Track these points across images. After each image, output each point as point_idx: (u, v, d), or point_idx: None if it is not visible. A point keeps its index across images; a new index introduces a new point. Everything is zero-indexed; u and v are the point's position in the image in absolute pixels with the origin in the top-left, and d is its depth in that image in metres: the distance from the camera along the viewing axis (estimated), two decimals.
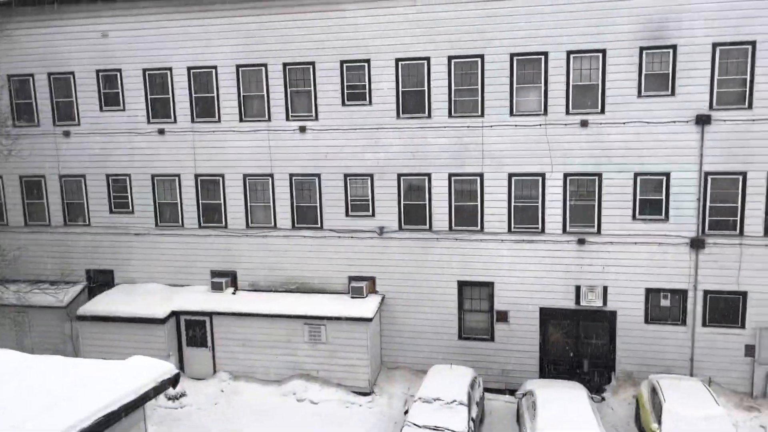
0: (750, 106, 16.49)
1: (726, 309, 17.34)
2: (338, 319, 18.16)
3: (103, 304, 19.49)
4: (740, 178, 16.83)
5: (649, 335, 17.87)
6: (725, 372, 17.46)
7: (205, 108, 19.81)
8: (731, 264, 17.14)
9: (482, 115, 18.07)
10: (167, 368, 10.21)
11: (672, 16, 16.56)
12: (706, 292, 17.39)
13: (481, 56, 17.82)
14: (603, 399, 17.48)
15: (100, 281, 21.30)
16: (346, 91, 18.80)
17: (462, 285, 18.93)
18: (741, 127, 16.60)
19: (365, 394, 18.07)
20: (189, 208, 20.43)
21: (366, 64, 18.53)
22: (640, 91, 17.04)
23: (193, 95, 19.77)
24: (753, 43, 16.22)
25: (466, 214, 18.65)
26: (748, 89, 16.46)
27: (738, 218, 17.01)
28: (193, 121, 19.93)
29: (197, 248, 20.56)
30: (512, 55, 17.62)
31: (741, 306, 17.21)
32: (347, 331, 18.18)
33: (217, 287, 19.99)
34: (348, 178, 19.25)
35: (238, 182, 19.97)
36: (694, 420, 14.13)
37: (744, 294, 17.15)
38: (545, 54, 17.43)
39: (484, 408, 17.07)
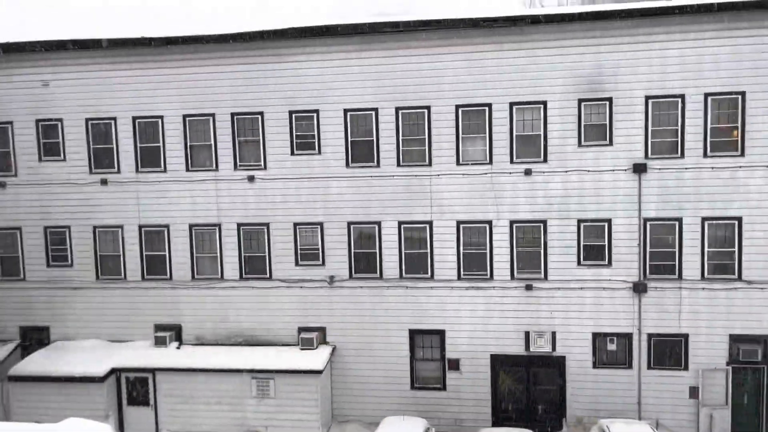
0: (682, 155, 17.32)
1: (669, 351, 17.76)
2: (287, 372, 17.70)
3: (36, 363, 18.45)
4: (677, 223, 17.52)
5: (597, 379, 18.08)
6: (672, 414, 17.77)
7: (150, 157, 19.45)
8: (672, 307, 17.66)
9: (430, 164, 18.37)
10: (104, 431, 9.67)
11: (607, 71, 17.41)
12: (649, 335, 17.81)
13: (428, 107, 18.24)
14: None
15: (34, 339, 20.20)
16: (295, 140, 18.84)
17: (414, 333, 18.82)
18: (674, 175, 17.38)
19: None
20: (132, 260, 19.80)
21: (315, 114, 18.68)
22: (580, 141, 17.71)
23: (138, 145, 19.43)
24: (682, 97, 17.16)
25: (417, 262, 18.71)
26: (679, 139, 17.33)
27: (677, 262, 17.62)
28: (137, 170, 19.51)
29: (140, 301, 19.83)
30: (457, 107, 18.09)
31: (683, 348, 17.68)
32: (297, 385, 17.71)
33: (160, 342, 19.25)
34: (297, 227, 19.11)
35: (183, 232, 19.53)
36: None
37: (686, 336, 17.64)
38: (489, 105, 17.97)
39: None
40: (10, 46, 19.19)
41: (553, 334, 18.16)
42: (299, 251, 19.17)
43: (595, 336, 18.04)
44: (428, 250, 18.63)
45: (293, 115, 18.76)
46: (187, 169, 19.33)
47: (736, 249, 17.27)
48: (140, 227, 19.66)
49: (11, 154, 19.91)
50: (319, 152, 18.77)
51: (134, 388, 18.41)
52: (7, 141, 19.88)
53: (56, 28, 20.24)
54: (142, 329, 19.83)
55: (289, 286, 19.23)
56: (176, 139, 19.26)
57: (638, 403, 17.91)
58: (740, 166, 17.04)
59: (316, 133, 18.73)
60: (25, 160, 19.86)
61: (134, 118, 19.31)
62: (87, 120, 19.49)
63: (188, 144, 19.25)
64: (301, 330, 19.19)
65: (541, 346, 18.18)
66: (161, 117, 19.24)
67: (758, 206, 17.04)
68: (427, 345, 18.81)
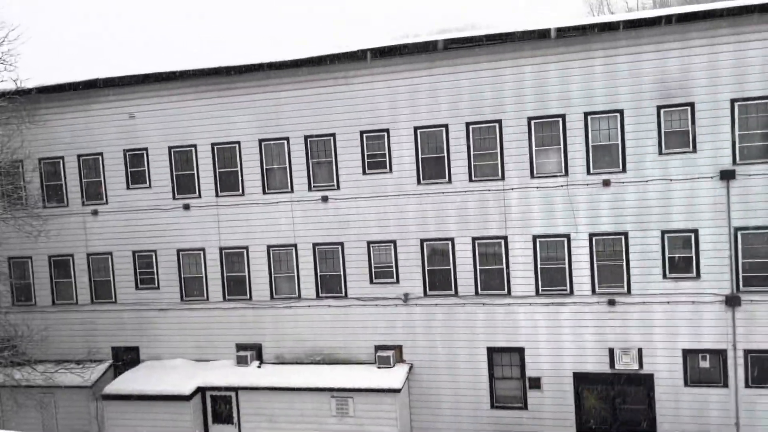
0: None
1: None
2: (366, 390, 17.73)
3: (128, 381, 19.32)
4: None
5: (689, 398, 17.13)
6: None
7: (228, 182, 20.14)
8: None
9: (503, 178, 18.11)
10: None
11: (688, 75, 16.67)
12: (746, 351, 16.73)
13: (499, 121, 18.02)
14: None
15: (125, 359, 21.20)
16: (366, 160, 19.04)
17: (491, 351, 18.47)
18: (765, 181, 16.37)
19: None
20: (214, 282, 20.48)
21: (385, 134, 18.83)
22: (661, 149, 16.99)
23: (217, 170, 20.17)
24: None
25: (492, 278, 18.41)
26: None
27: None
28: (217, 195, 20.24)
29: (222, 321, 20.46)
30: (530, 119, 17.78)
31: None
32: (375, 403, 17.71)
33: (242, 361, 19.75)
34: (371, 245, 19.23)
35: (262, 254, 20.05)
36: None
37: None
38: (563, 116, 17.56)
39: None
40: (99, 82, 20.43)
41: (640, 350, 17.37)
42: (373, 269, 19.27)
43: (686, 353, 17.12)
44: (504, 266, 18.31)
45: (364, 135, 18.98)
46: (264, 192, 19.87)
47: None
48: (221, 249, 20.35)
49: (102, 183, 21.12)
50: (391, 170, 18.88)
51: (218, 406, 18.96)
52: (99, 171, 21.10)
53: (139, 62, 21.38)
54: (225, 348, 20.42)
55: (364, 305, 19.33)
56: (253, 164, 19.87)
57: (736, 424, 16.82)
58: None
59: (386, 151, 18.87)
60: (115, 189, 21.01)
61: (213, 145, 20.09)
62: (169, 148, 20.44)
63: (264, 167, 19.82)
64: (377, 348, 19.22)
65: (626, 363, 17.43)
66: (238, 142, 19.91)
67: None
68: (506, 363, 18.40)
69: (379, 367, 18.69)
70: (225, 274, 20.39)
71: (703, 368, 17.07)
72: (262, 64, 19.09)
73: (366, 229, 19.19)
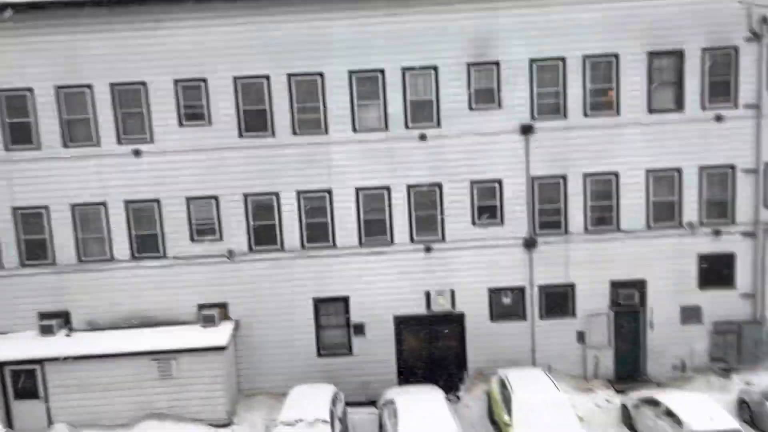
0: (565, 115, 18.26)
1: (559, 301, 18.95)
2: (189, 350, 17.19)
3: None
4: (561, 180, 18.55)
5: (495, 332, 19.00)
6: (562, 359, 19.05)
7: (21, 134, 17.90)
8: (560, 259, 18.79)
9: (327, 132, 18.22)
10: None
11: (493, 34, 17.90)
12: (541, 287, 18.90)
13: (321, 74, 17.99)
14: (459, 398, 18.26)
15: None
16: (183, 111, 18.00)
17: (318, 302, 18.84)
18: (559, 134, 18.32)
19: (224, 426, 17.26)
20: (7, 246, 18.28)
21: (203, 83, 17.90)
22: (470, 105, 18.19)
23: (6, 121, 17.80)
24: (563, 59, 18.01)
25: (318, 231, 18.64)
26: (561, 100, 18.23)
27: (563, 217, 18.71)
28: (7, 149, 17.92)
29: (21, 289, 18.42)
30: (351, 72, 17.97)
31: (571, 297, 18.92)
32: (200, 363, 17.27)
33: (47, 330, 18.03)
34: (190, 201, 18.40)
35: (65, 213, 18.24)
36: (539, 407, 15.20)
37: (572, 286, 18.86)
38: (382, 71, 18.00)
39: (347, 423, 17.05)
40: None
41: (453, 292, 18.82)
42: (194, 227, 18.51)
43: (492, 291, 18.90)
44: (329, 219, 18.59)
45: (179, 84, 17.89)
46: (65, 145, 17.98)
47: (615, 202, 18.59)
48: (14, 209, 18.15)
49: None
50: (210, 123, 18.07)
51: (21, 381, 17.18)
52: None
53: None
54: (26, 318, 18.47)
55: (185, 264, 18.57)
56: (50, 113, 17.82)
57: (532, 351, 19.05)
58: (616, 125, 18.23)
59: (205, 102, 17.99)
60: None
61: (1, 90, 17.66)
62: None
63: (63, 118, 17.88)
64: (201, 307, 18.65)
65: (441, 305, 18.82)
66: (30, 89, 17.70)
67: (632, 162, 18.35)
68: (332, 312, 18.91)
69: (203, 326, 18.18)
70: (21, 237, 18.29)
71: (506, 304, 19.00)
72: (55, 1, 17.00)
73: (185, 184, 18.28)
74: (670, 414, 14.81)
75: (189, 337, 17.55)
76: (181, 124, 18.05)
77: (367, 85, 18.11)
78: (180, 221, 18.43)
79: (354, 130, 18.23)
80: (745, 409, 16.59)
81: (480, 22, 17.83)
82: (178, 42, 17.69)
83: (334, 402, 16.26)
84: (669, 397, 15.46)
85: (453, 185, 18.47)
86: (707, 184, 18.47)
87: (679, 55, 17.97)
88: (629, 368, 19.15)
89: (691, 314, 18.77)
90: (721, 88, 18.11)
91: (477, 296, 18.89)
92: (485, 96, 18.21)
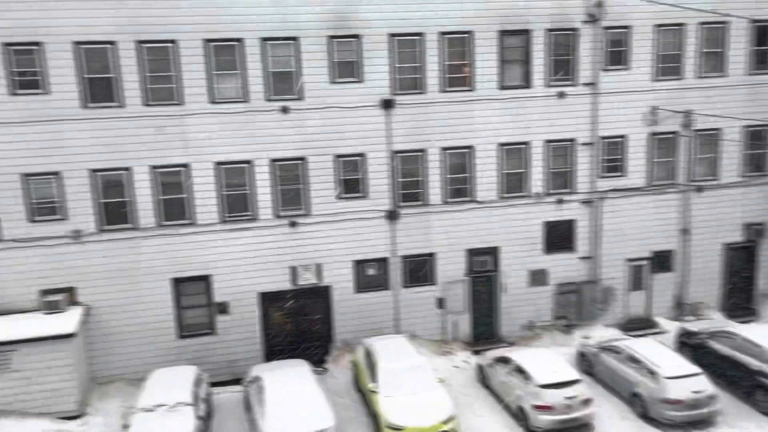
0: (424, 90, 18.76)
1: (420, 270, 19.69)
2: (32, 341, 15.78)
3: None
4: (421, 154, 19.13)
5: (360, 303, 19.39)
6: (424, 325, 19.91)
7: None
8: (421, 230, 19.48)
9: (182, 102, 17.29)
10: None
11: (351, 8, 17.86)
12: (403, 257, 19.51)
13: (174, 41, 16.96)
14: (326, 370, 18.48)
15: None
16: (14, 78, 16.19)
17: (177, 282, 18.05)
18: (418, 109, 18.81)
19: (75, 417, 16.15)
20: None
21: (38, 47, 16.17)
22: (332, 78, 18.10)
23: None
24: (421, 34, 18.43)
25: (175, 208, 17.76)
26: (421, 75, 18.68)
27: (423, 190, 19.35)
28: None
29: None
30: (206, 41, 17.13)
31: (431, 265, 19.73)
32: (46, 353, 15.92)
33: None
34: (27, 178, 16.72)
35: None
36: (403, 372, 15.83)
37: (432, 255, 19.67)
38: (240, 40, 17.34)
39: (212, 403, 16.66)
40: None
41: (318, 266, 18.88)
42: (33, 206, 16.88)
43: (357, 263, 19.20)
44: (187, 195, 17.78)
45: (9, 49, 16.04)
46: None
47: (470, 174, 19.52)
48: None
49: None
50: (48, 91, 16.44)
51: None
52: None
53: None
54: None
55: (23, 247, 16.91)
56: None
57: (396, 319, 19.71)
58: (470, 99, 19.05)
59: (42, 69, 16.30)
60: None
61: None
62: None
63: None
64: (44, 293, 17.12)
65: (307, 278, 18.82)
66: None
67: (485, 135, 19.30)
68: (193, 292, 18.22)
69: (47, 314, 16.74)
70: None
71: (371, 275, 19.41)
72: None
73: (20, 159, 16.55)
74: (519, 370, 16.04)
75: (31, 326, 16.09)
76: (13, 93, 16.24)
77: (225, 54, 17.37)
78: (15, 200, 16.70)
79: (212, 101, 17.46)
80: (583, 361, 18.39)
81: None
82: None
83: (197, 384, 15.79)
84: (518, 355, 16.72)
85: (317, 159, 18.39)
86: (551, 156, 19.95)
87: (526, 35, 19.07)
88: (485, 330, 20.45)
89: (538, 277, 20.35)
90: (563, 66, 19.51)
91: (343, 269, 19.10)
92: (347, 70, 18.20)
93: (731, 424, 15.52)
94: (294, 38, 17.64)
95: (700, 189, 20.72)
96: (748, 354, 16.45)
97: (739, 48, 20.08)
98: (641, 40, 19.56)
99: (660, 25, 19.57)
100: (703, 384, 15.46)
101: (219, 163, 17.79)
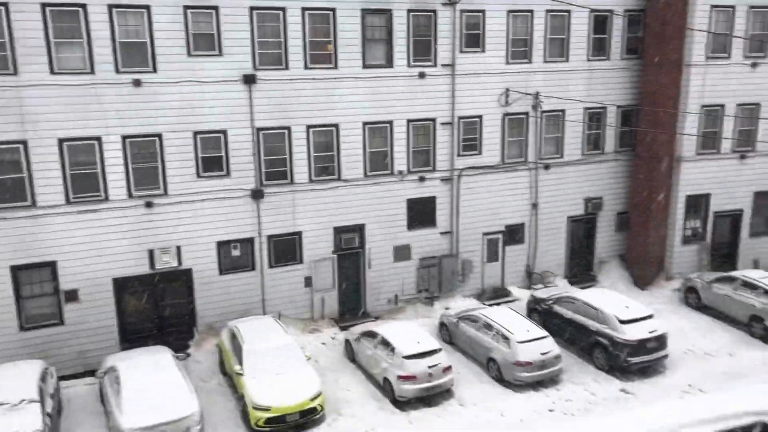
0: (287, 67, 18.44)
1: (287, 249, 19.52)
2: None
3: None
4: (286, 132, 18.85)
5: (224, 285, 18.88)
6: (291, 304, 19.84)
7: None
8: (287, 209, 19.28)
9: (16, 73, 15.64)
10: None
11: None
12: (269, 237, 19.22)
13: (5, 4, 15.24)
14: (188, 355, 17.84)
15: None
16: None
17: (16, 270, 16.46)
18: (282, 86, 18.47)
19: None
20: None
21: None
22: (189, 51, 17.24)
23: None
24: (284, 9, 18.03)
25: (12, 189, 16.12)
26: (283, 51, 18.33)
27: (288, 168, 19.12)
28: None
29: None
30: (43, 5, 15.56)
31: (298, 244, 19.64)
32: None
33: None
34: None
35: None
36: (269, 352, 15.71)
37: (300, 233, 19.58)
38: (84, 6, 15.94)
39: (61, 398, 15.52)
40: None
41: (178, 248, 18.07)
42: None
43: (220, 244, 18.63)
44: (26, 174, 16.19)
45: None
46: None
47: (336, 152, 19.58)
48: None
49: None
50: None
51: None
52: None
53: None
54: None
55: None
56: None
57: (263, 300, 19.44)
58: (335, 78, 19.03)
59: None
60: None
61: None
62: None
63: None
64: None
65: (166, 261, 17.95)
66: None
67: (350, 113, 19.44)
68: (36, 280, 16.71)
69: None
70: None
71: (235, 256, 18.94)
72: None
73: None
74: (385, 343, 16.53)
75: None
76: None
77: (66, 20, 15.89)
78: None
79: (52, 71, 15.95)
80: (444, 330, 19.33)
81: None
82: None
83: (43, 378, 14.62)
84: (383, 328, 17.21)
85: (174, 136, 17.50)
86: (414, 136, 20.52)
87: (388, 14, 19.31)
88: (352, 306, 20.79)
89: (402, 252, 20.97)
90: (423, 47, 20.01)
91: (205, 250, 18.45)
92: (205, 42, 17.42)
93: (573, 381, 17.10)
94: (146, 6, 16.52)
95: (547, 167, 22.35)
96: (587, 316, 18.16)
97: (580, 36, 21.75)
98: (495, 24, 20.56)
99: (512, 11, 20.68)
100: (549, 346, 16.85)
101: (62, 140, 16.36)
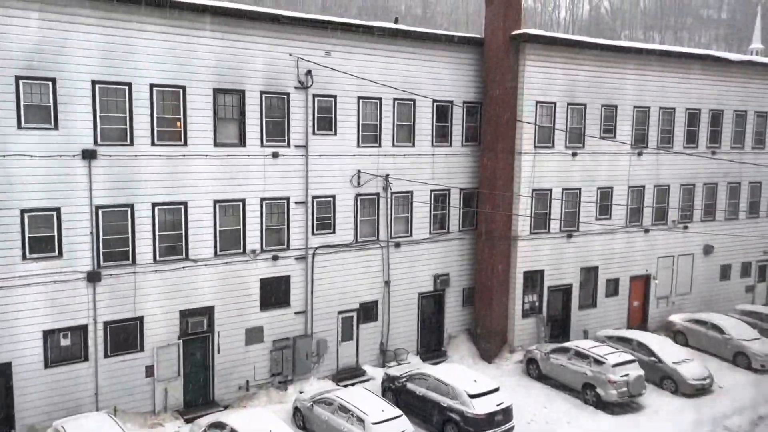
0: (132, 143, 17.64)
1: (126, 336, 18.02)
2: None
3: None
4: (129, 210, 17.80)
5: (51, 380, 16.89)
6: (130, 396, 18.14)
7: None
8: (128, 292, 17.93)
9: None
10: None
11: (50, 49, 16.14)
12: (106, 323, 17.66)
13: None
14: None
15: None
16: None
17: None
18: (126, 162, 17.57)
19: None
20: None
21: None
22: (20, 123, 15.94)
23: None
24: (129, 85, 17.42)
25: None
26: (128, 126, 17.57)
27: (130, 248, 17.93)
28: None
29: None
30: None
31: (139, 330, 18.22)
32: None
33: None
34: None
35: None
36: None
37: (141, 318, 18.20)
38: None
39: None
40: None
41: None
42: None
43: (47, 333, 16.77)
44: None
45: None
46: None
47: (184, 231, 18.76)
48: None
49: None
50: None
51: None
52: None
53: None
54: None
55: None
56: None
57: (96, 393, 17.58)
58: (184, 155, 18.50)
59: None
60: None
61: None
62: None
63: None
64: None
65: None
66: None
67: (200, 191, 18.87)
68: None
69: None
70: None
71: (65, 346, 17.09)
72: None
73: None
74: None
75: None
76: None
77: None
78: None
79: None
80: (298, 415, 18.64)
81: (32, 30, 15.86)
82: None
83: None
84: (232, 419, 16.21)
85: None
86: (267, 214, 20.31)
87: (241, 95, 19.37)
88: (199, 394, 19.45)
89: (254, 335, 20.20)
90: (277, 128, 20.21)
91: (28, 341, 16.49)
92: (40, 114, 16.23)
93: None
94: None
95: (398, 245, 23.10)
96: (439, 392, 18.51)
97: (425, 123, 23.26)
98: (346, 109, 21.39)
99: (362, 98, 21.69)
100: (403, 425, 16.84)
101: None
